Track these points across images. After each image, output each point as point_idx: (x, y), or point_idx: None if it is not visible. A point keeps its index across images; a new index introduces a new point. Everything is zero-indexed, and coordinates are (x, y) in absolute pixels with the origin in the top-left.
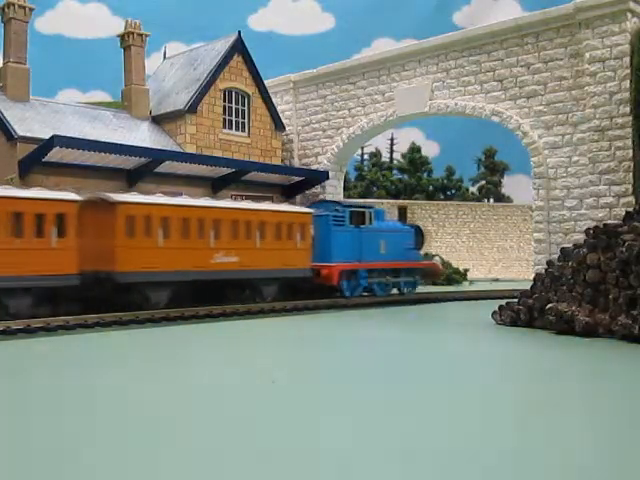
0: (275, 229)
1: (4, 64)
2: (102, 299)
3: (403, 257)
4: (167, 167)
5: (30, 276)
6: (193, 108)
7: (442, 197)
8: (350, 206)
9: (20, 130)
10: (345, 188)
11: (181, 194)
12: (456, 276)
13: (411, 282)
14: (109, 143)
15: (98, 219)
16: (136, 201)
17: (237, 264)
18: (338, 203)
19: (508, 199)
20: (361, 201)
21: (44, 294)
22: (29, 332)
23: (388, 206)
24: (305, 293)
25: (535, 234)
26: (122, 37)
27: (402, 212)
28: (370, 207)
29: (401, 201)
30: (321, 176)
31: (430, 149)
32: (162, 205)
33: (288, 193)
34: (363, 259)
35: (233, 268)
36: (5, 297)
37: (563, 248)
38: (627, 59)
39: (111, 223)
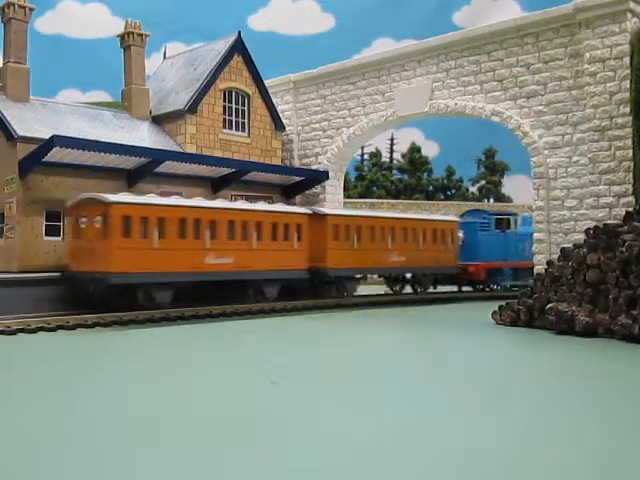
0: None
1: (4, 64)
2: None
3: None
4: (167, 167)
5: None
6: (193, 108)
7: (442, 197)
8: (496, 214)
9: (20, 130)
10: (345, 188)
11: (181, 194)
12: None
13: None
14: (109, 143)
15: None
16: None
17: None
18: (485, 211)
19: (508, 199)
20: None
21: (287, 284)
22: (29, 332)
23: (388, 206)
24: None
25: (535, 234)
26: (122, 37)
27: None
28: (515, 214)
29: (401, 201)
30: (321, 176)
31: (430, 149)
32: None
33: (288, 193)
34: (508, 259)
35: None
36: (264, 285)
37: (563, 248)
38: (627, 59)
39: (322, 230)
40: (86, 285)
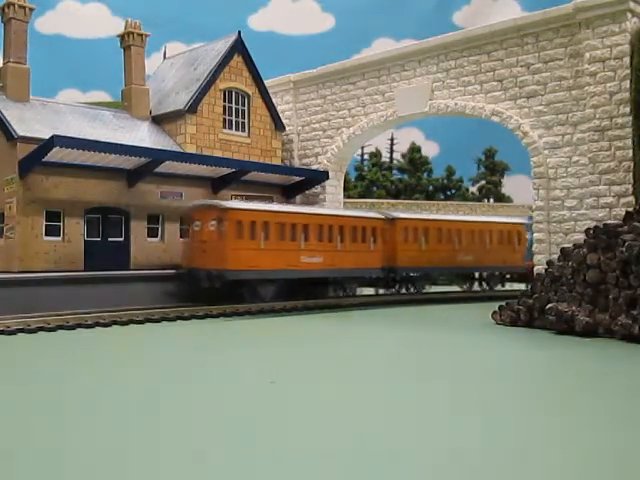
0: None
1: (4, 64)
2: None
3: None
4: (167, 167)
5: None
6: (193, 108)
7: (442, 197)
8: None
9: (20, 130)
10: (345, 188)
11: (181, 194)
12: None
13: None
14: (109, 143)
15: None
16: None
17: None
18: None
19: (508, 199)
20: (363, 201)
21: (366, 280)
22: (29, 332)
23: (388, 206)
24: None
25: (535, 234)
26: (122, 37)
27: None
28: None
29: (401, 201)
30: (321, 176)
31: (430, 149)
32: None
33: (288, 193)
34: None
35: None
36: (346, 282)
37: (563, 248)
38: (627, 59)
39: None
40: (202, 281)
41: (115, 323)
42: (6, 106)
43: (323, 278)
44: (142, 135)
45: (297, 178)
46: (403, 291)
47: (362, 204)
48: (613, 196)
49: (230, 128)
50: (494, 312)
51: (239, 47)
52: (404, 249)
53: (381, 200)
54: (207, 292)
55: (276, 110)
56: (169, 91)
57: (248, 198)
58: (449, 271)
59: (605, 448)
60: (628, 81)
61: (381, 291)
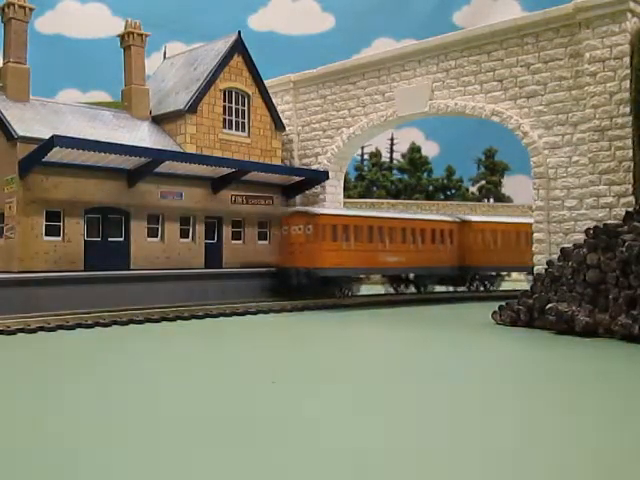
0: None
1: (4, 64)
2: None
3: None
4: (167, 167)
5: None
6: (193, 108)
7: (442, 197)
8: None
9: (20, 130)
10: (345, 188)
11: (181, 194)
12: None
13: None
14: (109, 143)
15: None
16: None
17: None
18: None
19: (508, 199)
20: (361, 201)
21: (444, 277)
22: (29, 332)
23: (388, 206)
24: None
25: (535, 234)
26: (122, 37)
27: None
28: None
29: (401, 201)
30: (321, 176)
31: (430, 149)
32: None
33: (288, 193)
34: None
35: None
36: (426, 278)
37: (563, 248)
38: (627, 59)
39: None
40: (292, 278)
41: (115, 323)
42: (6, 106)
43: (404, 275)
44: (142, 135)
45: (297, 178)
46: (474, 289)
47: (362, 204)
48: (613, 196)
49: (230, 128)
50: (494, 312)
51: (239, 47)
52: (475, 249)
53: (381, 200)
54: (296, 288)
55: (276, 110)
56: (169, 91)
57: (248, 198)
58: (518, 270)
59: (605, 448)
60: (628, 81)
61: (451, 288)
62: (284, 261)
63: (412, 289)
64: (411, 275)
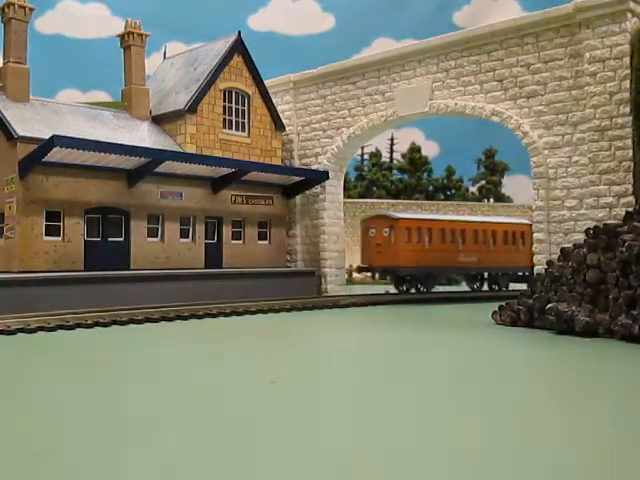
0: None
1: (4, 64)
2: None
3: None
4: (167, 167)
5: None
6: (193, 108)
7: (442, 197)
8: None
9: (20, 130)
10: (345, 188)
11: (181, 194)
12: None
13: None
14: (109, 143)
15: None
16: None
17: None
18: None
19: (508, 199)
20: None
21: (516, 277)
22: (29, 332)
23: (388, 206)
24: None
25: (535, 234)
26: (122, 37)
27: None
28: None
29: (401, 201)
30: (321, 176)
31: (430, 149)
32: None
33: (288, 193)
34: None
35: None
36: (499, 278)
37: (563, 248)
38: (627, 59)
39: None
40: (377, 275)
41: (115, 323)
42: (6, 106)
43: (479, 274)
44: (142, 135)
45: (297, 178)
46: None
47: (362, 204)
48: (613, 196)
49: (230, 128)
50: (494, 312)
51: (239, 47)
52: None
53: (381, 200)
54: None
55: (276, 110)
56: (169, 91)
57: (248, 198)
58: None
59: (605, 448)
60: (628, 81)
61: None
62: (370, 261)
63: (466, 287)
64: (485, 274)
